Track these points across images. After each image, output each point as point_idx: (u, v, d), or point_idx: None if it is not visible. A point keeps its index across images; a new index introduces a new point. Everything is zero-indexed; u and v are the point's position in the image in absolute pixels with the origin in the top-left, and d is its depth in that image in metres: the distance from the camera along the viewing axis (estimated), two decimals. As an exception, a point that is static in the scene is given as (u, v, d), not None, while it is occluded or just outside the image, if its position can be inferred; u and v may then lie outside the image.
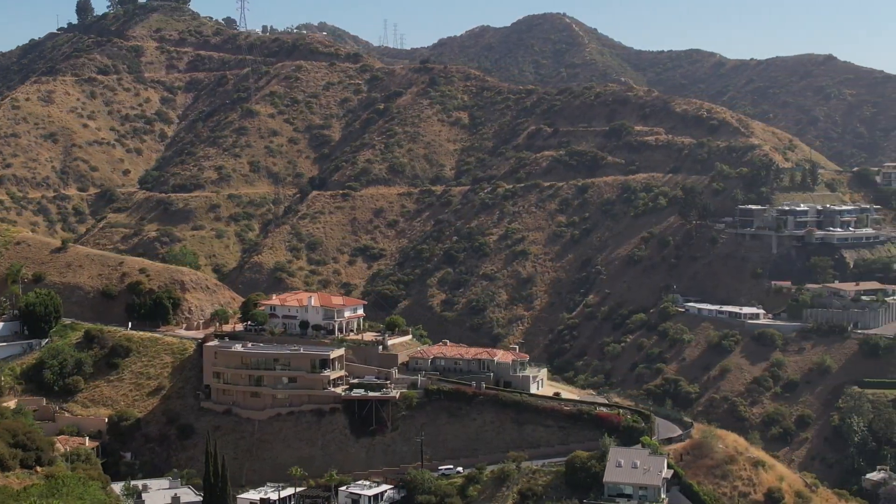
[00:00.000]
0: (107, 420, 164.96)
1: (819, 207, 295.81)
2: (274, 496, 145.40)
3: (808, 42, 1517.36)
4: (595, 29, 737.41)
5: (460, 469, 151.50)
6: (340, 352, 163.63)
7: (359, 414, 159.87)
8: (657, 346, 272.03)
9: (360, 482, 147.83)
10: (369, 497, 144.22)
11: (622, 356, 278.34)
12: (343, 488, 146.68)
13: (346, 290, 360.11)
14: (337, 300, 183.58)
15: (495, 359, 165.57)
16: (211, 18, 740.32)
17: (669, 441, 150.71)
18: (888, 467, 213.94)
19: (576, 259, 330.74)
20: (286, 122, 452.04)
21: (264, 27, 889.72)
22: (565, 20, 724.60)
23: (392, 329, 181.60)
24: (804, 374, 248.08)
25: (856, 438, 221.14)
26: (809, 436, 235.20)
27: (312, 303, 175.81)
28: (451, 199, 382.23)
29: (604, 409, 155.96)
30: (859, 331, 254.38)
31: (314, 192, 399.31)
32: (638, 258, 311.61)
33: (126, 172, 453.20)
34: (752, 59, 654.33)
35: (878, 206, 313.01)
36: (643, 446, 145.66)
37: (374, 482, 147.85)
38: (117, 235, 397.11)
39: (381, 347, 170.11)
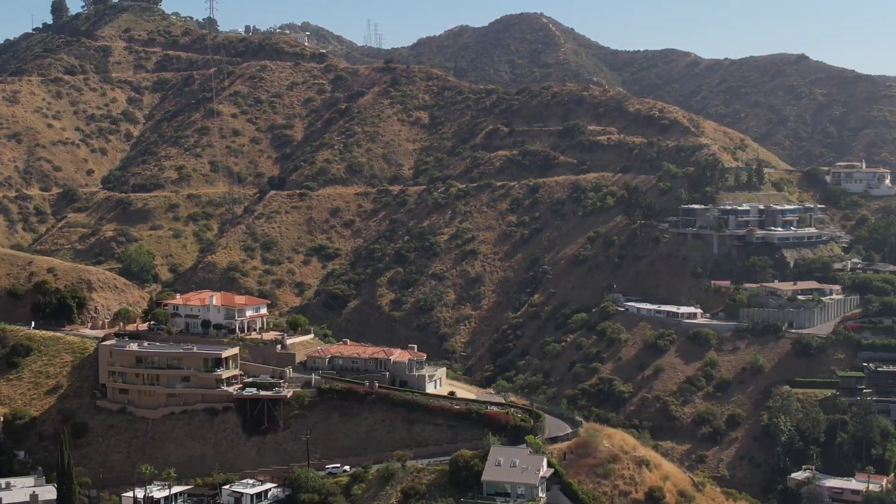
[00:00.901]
0: (1, 419, 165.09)
1: (761, 207, 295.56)
2: (158, 494, 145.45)
3: (782, 42, 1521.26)
4: (572, 29, 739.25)
5: (347, 468, 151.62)
6: (234, 351, 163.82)
7: (251, 413, 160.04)
8: (595, 345, 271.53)
9: (244, 481, 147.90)
10: (251, 496, 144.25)
11: (562, 356, 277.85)
12: (226, 487, 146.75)
13: (300, 289, 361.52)
14: (239, 299, 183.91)
15: (391, 358, 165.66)
16: (191, 18, 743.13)
17: (555, 440, 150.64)
18: (813, 467, 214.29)
19: (524, 259, 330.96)
20: (249, 121, 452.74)
21: (247, 27, 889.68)
22: (542, 20, 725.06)
23: (294, 328, 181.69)
24: (737, 373, 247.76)
25: (783, 438, 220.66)
26: (739, 435, 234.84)
27: (214, 302, 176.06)
28: (406, 199, 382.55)
29: (494, 409, 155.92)
30: (794, 330, 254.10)
31: (272, 192, 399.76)
32: (583, 258, 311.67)
33: (90, 172, 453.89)
34: (725, 59, 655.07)
35: (823, 206, 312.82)
36: (527, 445, 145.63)
37: (259, 481, 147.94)
38: (75, 235, 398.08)
39: (279, 347, 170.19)
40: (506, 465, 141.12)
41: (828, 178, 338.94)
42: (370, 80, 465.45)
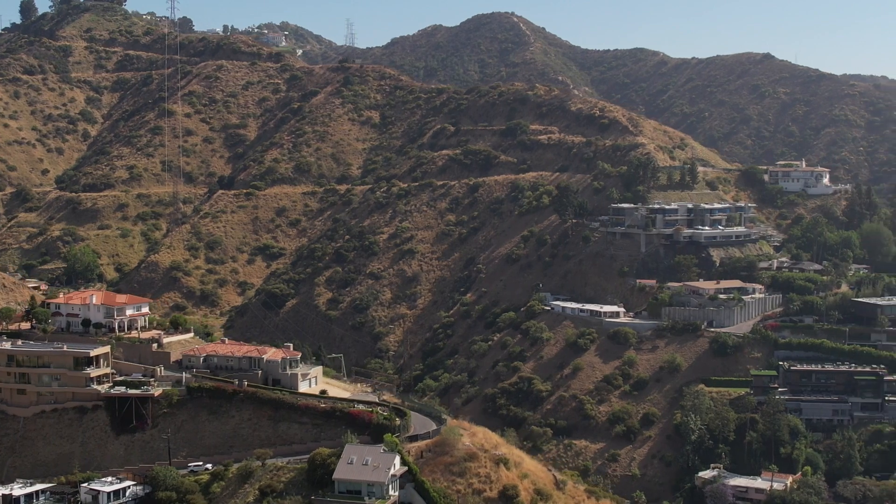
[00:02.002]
0: None
1: (689, 206, 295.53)
2: (19, 492, 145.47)
3: (750, 40, 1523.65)
4: (543, 28, 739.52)
5: (209, 466, 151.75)
6: (104, 350, 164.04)
7: (120, 411, 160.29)
8: (519, 344, 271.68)
9: (103, 479, 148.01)
10: (108, 493, 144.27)
11: (487, 355, 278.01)
12: (84, 485, 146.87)
13: (243, 288, 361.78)
14: (121, 298, 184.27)
15: (264, 357, 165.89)
16: (166, 18, 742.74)
17: (415, 438, 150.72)
18: (721, 466, 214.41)
19: (461, 258, 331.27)
20: (202, 121, 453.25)
21: (225, 27, 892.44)
22: (513, 19, 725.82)
23: (176, 327, 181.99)
24: (654, 372, 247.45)
25: (693, 437, 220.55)
26: (653, 434, 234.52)
27: (94, 301, 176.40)
28: (352, 199, 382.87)
29: (360, 407, 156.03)
30: (712, 329, 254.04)
31: (219, 192, 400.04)
32: (516, 257, 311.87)
33: (45, 172, 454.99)
34: (693, 58, 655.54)
35: (755, 205, 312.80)
36: (383, 444, 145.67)
37: (118, 479, 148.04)
38: (24, 235, 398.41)
39: (155, 345, 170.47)
40: (358, 463, 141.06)
41: (766, 178, 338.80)
42: (324, 79, 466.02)
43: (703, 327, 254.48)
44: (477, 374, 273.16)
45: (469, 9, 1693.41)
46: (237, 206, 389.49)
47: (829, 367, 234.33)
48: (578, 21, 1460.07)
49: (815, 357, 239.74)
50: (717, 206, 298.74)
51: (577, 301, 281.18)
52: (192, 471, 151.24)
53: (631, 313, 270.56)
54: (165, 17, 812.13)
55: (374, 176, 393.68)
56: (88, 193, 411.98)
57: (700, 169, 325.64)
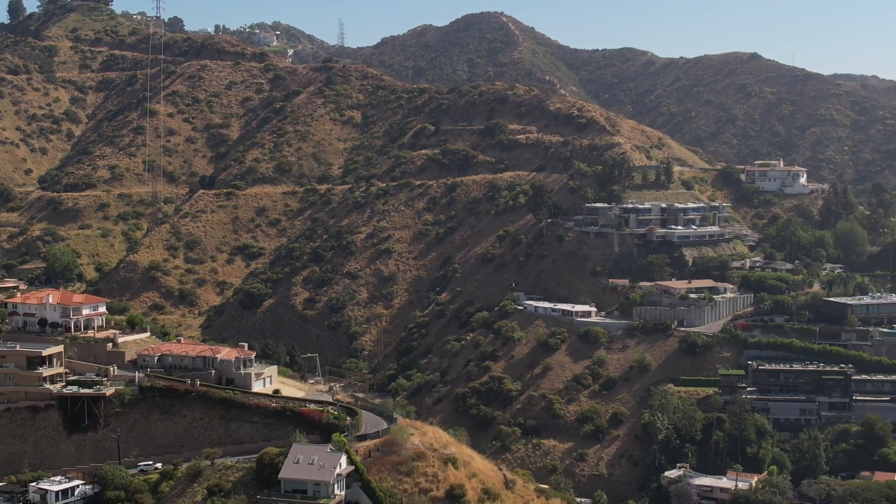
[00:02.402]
0: None
1: (663, 205, 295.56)
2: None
3: (740, 40, 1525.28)
4: (532, 28, 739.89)
5: (159, 465, 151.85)
6: (57, 349, 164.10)
7: (72, 411, 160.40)
8: (492, 344, 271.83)
9: (53, 478, 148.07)
10: (56, 493, 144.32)
11: (460, 354, 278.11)
12: (33, 484, 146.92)
13: (221, 288, 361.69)
14: (77, 298, 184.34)
15: (218, 356, 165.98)
16: (157, 18, 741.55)
17: (364, 437, 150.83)
18: (688, 465, 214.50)
19: (438, 257, 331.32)
20: (185, 121, 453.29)
21: (216, 26, 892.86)
22: (502, 19, 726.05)
23: (133, 326, 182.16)
24: (624, 371, 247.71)
25: (660, 436, 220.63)
26: (621, 434, 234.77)
27: (50, 301, 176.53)
28: (332, 199, 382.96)
29: (312, 406, 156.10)
30: (682, 329, 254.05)
31: (199, 191, 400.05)
32: (491, 256, 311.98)
33: (28, 172, 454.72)
34: (681, 58, 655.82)
35: (728, 204, 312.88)
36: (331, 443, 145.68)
37: (68, 478, 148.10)
38: (4, 235, 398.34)
39: (110, 345, 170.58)
40: (304, 462, 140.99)
41: (743, 177, 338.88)
42: (307, 79, 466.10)
43: (673, 327, 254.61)
44: (449, 373, 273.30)
45: (459, 8, 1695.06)
46: (217, 205, 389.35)
47: (797, 367, 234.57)
48: (568, 21, 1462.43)
49: (785, 357, 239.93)
50: (691, 205, 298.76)
51: (551, 301, 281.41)
52: (142, 470, 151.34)
53: (603, 313, 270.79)
54: (157, 17, 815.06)
55: (354, 176, 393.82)
56: (70, 193, 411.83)
57: (677, 169, 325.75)
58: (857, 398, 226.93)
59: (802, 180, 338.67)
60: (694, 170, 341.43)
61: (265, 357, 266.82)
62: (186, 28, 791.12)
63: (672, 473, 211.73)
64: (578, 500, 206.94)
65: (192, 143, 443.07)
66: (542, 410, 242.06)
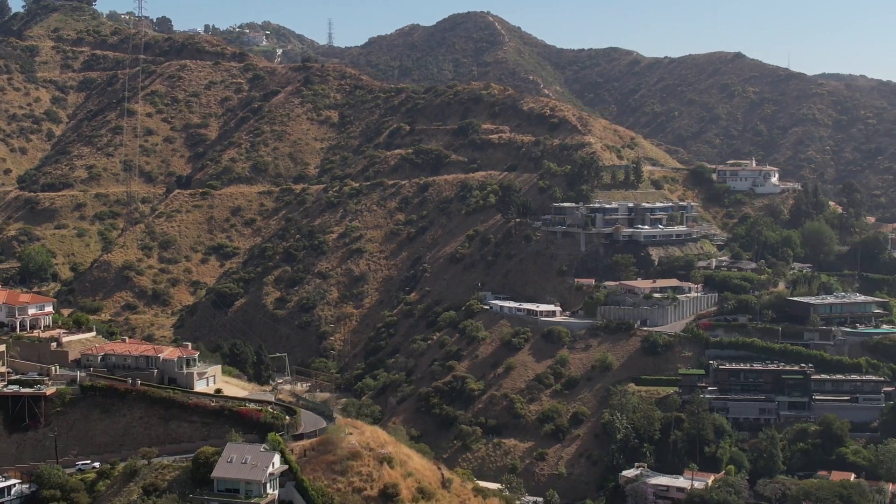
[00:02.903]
0: None
1: (630, 205, 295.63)
2: None
3: (723, 39, 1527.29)
4: (518, 27, 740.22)
5: (96, 465, 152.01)
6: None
7: (13, 410, 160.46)
8: (457, 343, 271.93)
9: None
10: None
11: (426, 353, 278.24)
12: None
13: (195, 288, 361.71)
14: (24, 297, 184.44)
15: (160, 356, 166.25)
16: (146, 18, 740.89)
17: (301, 437, 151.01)
18: (646, 465, 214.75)
19: (408, 257, 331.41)
20: (164, 121, 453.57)
21: (206, 26, 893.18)
22: (488, 18, 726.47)
23: (79, 326, 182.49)
24: (586, 371, 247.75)
25: (618, 436, 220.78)
26: (582, 433, 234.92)
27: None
28: (307, 198, 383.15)
29: (251, 405, 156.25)
30: (645, 328, 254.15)
31: (175, 191, 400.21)
32: (460, 256, 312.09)
33: (7, 172, 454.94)
34: (665, 58, 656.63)
35: (697, 204, 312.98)
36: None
37: (4, 477, 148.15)
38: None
39: (54, 344, 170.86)
40: (237, 461, 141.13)
41: (714, 177, 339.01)
42: (286, 79, 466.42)
43: (636, 326, 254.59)
44: (415, 373, 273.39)
45: (447, 8, 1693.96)
46: (192, 205, 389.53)
47: (757, 367, 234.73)
48: (556, 21, 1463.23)
49: (746, 356, 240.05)
50: (658, 205, 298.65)
51: (517, 300, 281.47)
52: (80, 469, 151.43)
53: (567, 312, 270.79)
54: (145, 16, 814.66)
55: (329, 175, 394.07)
56: (47, 193, 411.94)
57: (648, 168, 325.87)
58: (817, 398, 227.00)
59: (774, 180, 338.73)
60: (665, 169, 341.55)
61: (232, 357, 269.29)
62: (176, 28, 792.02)
63: (629, 473, 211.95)
64: (534, 499, 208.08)
65: (170, 142, 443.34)
66: (504, 410, 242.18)
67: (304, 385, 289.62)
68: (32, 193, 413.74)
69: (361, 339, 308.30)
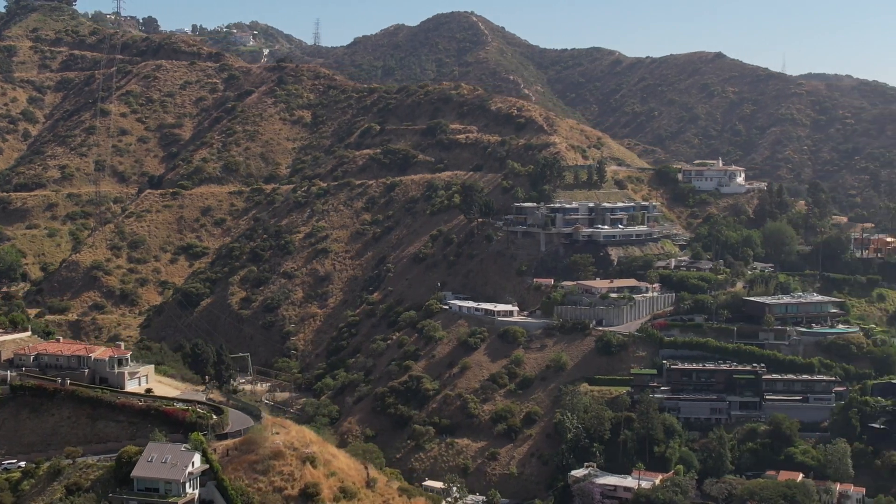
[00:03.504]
0: None
1: (590, 205, 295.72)
2: None
3: (704, 39, 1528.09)
4: (502, 27, 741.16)
5: (22, 464, 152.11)
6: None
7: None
8: (415, 343, 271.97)
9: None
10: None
11: (385, 353, 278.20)
12: None
13: (164, 288, 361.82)
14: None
15: (92, 355, 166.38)
16: (134, 18, 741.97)
17: (225, 436, 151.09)
18: (595, 464, 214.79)
19: (373, 257, 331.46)
20: (138, 121, 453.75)
21: (193, 26, 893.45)
22: (472, 18, 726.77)
23: (14, 325, 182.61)
24: (541, 370, 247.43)
25: (569, 436, 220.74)
26: (534, 433, 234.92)
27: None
28: (276, 198, 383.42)
29: (178, 405, 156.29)
30: (600, 328, 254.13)
31: (146, 191, 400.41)
32: (423, 256, 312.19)
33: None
34: (647, 57, 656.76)
35: (659, 204, 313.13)
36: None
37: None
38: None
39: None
40: (157, 461, 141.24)
41: (679, 177, 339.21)
42: (260, 79, 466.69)
43: (591, 326, 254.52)
44: (373, 373, 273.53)
45: (432, 8, 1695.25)
46: (163, 205, 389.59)
47: (709, 366, 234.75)
48: (539, 20, 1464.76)
49: (700, 356, 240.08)
50: (619, 205, 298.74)
51: (477, 300, 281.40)
52: (5, 468, 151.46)
53: (525, 312, 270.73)
54: (132, 17, 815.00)
55: (300, 175, 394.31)
56: (19, 193, 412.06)
57: (613, 168, 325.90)
58: (768, 398, 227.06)
59: (739, 180, 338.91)
60: (630, 169, 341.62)
61: (193, 357, 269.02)
62: (163, 28, 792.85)
63: (578, 472, 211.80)
64: (477, 498, 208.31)
65: (144, 142, 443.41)
66: (458, 410, 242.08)
67: (265, 385, 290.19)
68: (4, 193, 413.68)
69: (324, 339, 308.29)
